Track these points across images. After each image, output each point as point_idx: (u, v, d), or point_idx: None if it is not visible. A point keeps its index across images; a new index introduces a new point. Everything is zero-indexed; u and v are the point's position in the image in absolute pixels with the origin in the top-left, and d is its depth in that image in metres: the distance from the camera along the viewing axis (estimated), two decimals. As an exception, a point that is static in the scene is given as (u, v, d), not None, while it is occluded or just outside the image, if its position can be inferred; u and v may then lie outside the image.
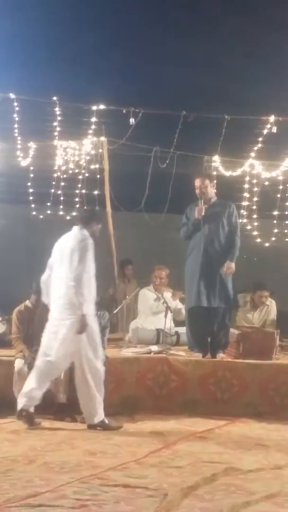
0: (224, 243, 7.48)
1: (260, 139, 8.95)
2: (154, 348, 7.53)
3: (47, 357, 6.34)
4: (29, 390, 6.30)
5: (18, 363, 6.83)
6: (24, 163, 8.85)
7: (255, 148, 9.10)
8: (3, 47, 10.02)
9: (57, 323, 6.38)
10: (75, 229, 6.57)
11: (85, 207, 8.48)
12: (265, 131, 8.86)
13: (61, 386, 6.77)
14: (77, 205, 9.09)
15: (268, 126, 8.83)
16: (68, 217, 9.12)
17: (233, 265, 7.44)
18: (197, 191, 7.56)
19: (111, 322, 7.72)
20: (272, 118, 8.81)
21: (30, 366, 6.75)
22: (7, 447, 5.66)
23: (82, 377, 6.33)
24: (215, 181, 7.72)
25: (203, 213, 7.44)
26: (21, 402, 6.30)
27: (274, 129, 8.81)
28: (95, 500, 4.34)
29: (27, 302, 7.23)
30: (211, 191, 7.58)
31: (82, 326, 6.23)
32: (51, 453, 5.46)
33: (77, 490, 4.52)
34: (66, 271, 6.34)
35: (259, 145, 9.04)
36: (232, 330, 7.77)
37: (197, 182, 7.56)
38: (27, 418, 6.27)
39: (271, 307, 8.68)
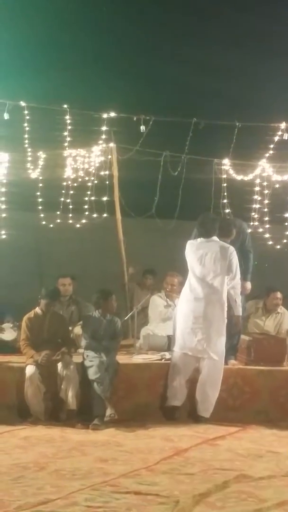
0: None
1: (271, 146, 8.93)
2: (166, 354, 7.51)
3: None
4: None
5: (29, 370, 6.84)
6: (34, 172, 8.89)
7: (266, 155, 9.08)
8: (13, 55, 10.06)
9: None
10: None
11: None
12: (276, 138, 8.85)
13: (72, 392, 6.78)
14: (88, 213, 9.11)
15: (280, 133, 8.83)
16: (78, 225, 9.14)
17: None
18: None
19: (122, 328, 7.72)
20: (283, 125, 8.80)
21: (42, 371, 6.78)
22: (18, 453, 5.67)
23: None
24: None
25: None
26: None
27: (286, 136, 8.80)
28: (107, 507, 4.35)
29: (37, 309, 7.25)
30: None
31: None
32: (62, 460, 5.47)
33: (89, 497, 4.52)
34: None
35: (270, 151, 9.03)
36: (243, 336, 7.76)
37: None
38: None
39: (284, 315, 8.63)
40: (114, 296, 7.40)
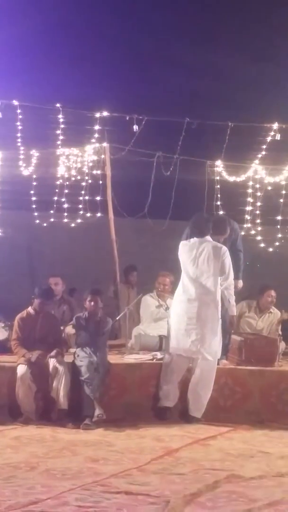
0: None
1: (264, 146, 8.95)
2: (157, 354, 7.52)
3: None
4: None
5: (21, 369, 6.83)
6: (27, 171, 8.87)
7: (259, 155, 9.10)
8: (6, 54, 10.05)
9: None
10: None
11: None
12: (269, 139, 8.86)
13: (63, 392, 6.77)
14: (81, 212, 9.10)
15: (272, 133, 8.84)
16: (71, 225, 9.13)
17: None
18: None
19: (113, 328, 7.71)
20: (275, 126, 8.81)
21: (34, 371, 6.78)
22: (9, 453, 5.66)
23: None
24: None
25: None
26: None
27: (278, 137, 8.81)
28: (97, 507, 4.34)
29: (30, 308, 7.23)
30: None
31: None
32: (53, 460, 5.46)
33: (79, 497, 4.51)
34: None
35: (263, 152, 9.04)
36: (234, 336, 7.77)
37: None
38: None
39: (276, 315, 8.64)
40: (100, 297, 7.31)
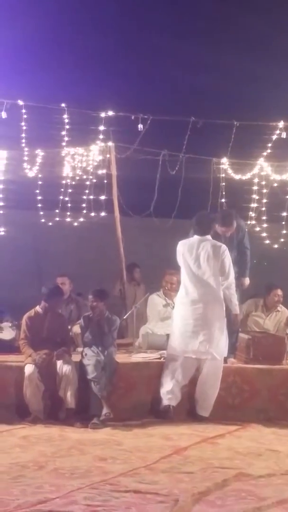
0: None
1: (270, 144, 8.93)
2: (164, 353, 7.50)
3: None
4: None
5: (28, 369, 6.83)
6: (32, 170, 8.87)
7: (264, 153, 9.08)
8: (11, 54, 10.06)
9: None
10: None
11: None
12: (275, 137, 8.84)
13: (70, 391, 6.77)
14: (87, 211, 9.10)
15: (278, 132, 8.82)
16: (75, 223, 9.13)
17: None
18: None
19: (121, 327, 7.70)
20: (281, 124, 8.79)
21: (41, 370, 6.78)
22: (17, 453, 5.66)
23: None
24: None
25: None
26: None
27: (284, 135, 8.79)
28: (106, 506, 4.34)
29: (38, 307, 7.24)
30: None
31: None
32: (61, 459, 5.46)
33: (88, 496, 4.51)
34: None
35: (269, 150, 9.02)
36: (242, 335, 7.76)
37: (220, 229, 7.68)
38: None
39: (284, 313, 8.62)
40: (102, 298, 7.26)
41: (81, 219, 9.16)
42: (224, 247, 7.12)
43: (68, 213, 9.15)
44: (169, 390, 6.98)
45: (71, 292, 8.55)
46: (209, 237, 7.20)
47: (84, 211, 9.08)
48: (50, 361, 6.90)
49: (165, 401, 6.96)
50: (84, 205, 9.09)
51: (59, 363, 6.89)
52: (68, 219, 9.17)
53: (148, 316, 8.50)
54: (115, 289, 9.08)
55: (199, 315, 7.02)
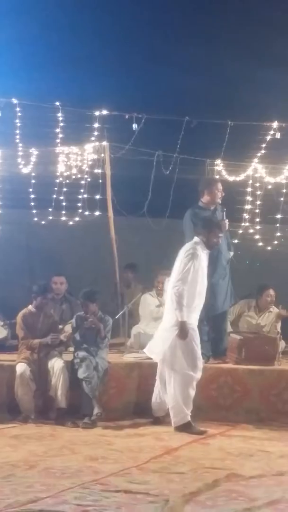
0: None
1: (264, 145, 8.93)
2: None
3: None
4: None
5: (20, 367, 6.82)
6: (26, 169, 8.85)
7: (258, 154, 9.08)
8: (5, 52, 10.02)
9: None
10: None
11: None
12: (269, 138, 8.85)
13: (61, 390, 6.76)
14: (80, 210, 9.08)
15: (272, 132, 8.83)
16: (70, 223, 9.11)
17: None
18: (219, 194, 7.55)
19: (113, 326, 7.69)
20: (275, 124, 8.80)
21: (33, 369, 6.77)
22: (8, 452, 5.66)
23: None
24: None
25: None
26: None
27: (278, 135, 8.80)
28: (96, 505, 4.34)
29: (30, 307, 7.22)
30: None
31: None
32: (52, 458, 5.45)
33: (78, 495, 4.51)
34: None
35: (263, 151, 9.03)
36: (234, 335, 7.77)
37: (220, 186, 7.62)
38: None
39: (276, 313, 8.63)
40: (92, 299, 7.22)
41: (75, 218, 9.14)
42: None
43: (62, 212, 9.13)
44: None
45: (66, 291, 8.54)
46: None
47: (79, 211, 9.05)
48: (42, 360, 6.89)
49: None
50: (78, 204, 9.06)
51: (50, 362, 6.88)
52: (62, 218, 9.15)
53: (140, 316, 8.49)
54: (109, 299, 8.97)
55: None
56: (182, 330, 6.56)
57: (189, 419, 6.52)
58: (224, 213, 7.68)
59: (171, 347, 6.61)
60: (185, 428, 6.48)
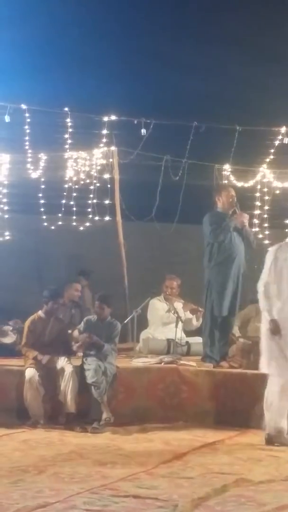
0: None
1: (272, 150, 8.94)
2: (165, 358, 7.51)
3: None
4: None
5: (29, 372, 6.84)
6: (35, 174, 8.89)
7: (267, 159, 9.09)
8: (14, 57, 10.07)
9: None
10: None
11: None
12: (277, 143, 8.85)
13: (71, 395, 6.77)
14: (89, 215, 9.12)
15: (280, 137, 8.84)
16: (80, 228, 9.14)
17: None
18: (231, 200, 7.61)
19: (121, 331, 7.71)
20: (284, 129, 8.81)
21: (42, 374, 6.79)
22: (17, 456, 5.66)
23: None
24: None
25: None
26: None
27: (286, 141, 8.81)
28: (106, 510, 4.33)
29: (40, 312, 7.24)
30: None
31: None
32: (61, 463, 5.45)
33: (88, 500, 4.50)
34: None
35: (271, 156, 9.04)
36: (243, 340, 7.76)
37: (232, 192, 7.67)
38: None
39: None
40: (108, 303, 7.26)
41: (84, 223, 9.18)
42: None
43: (72, 217, 9.17)
44: None
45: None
46: None
47: (88, 216, 9.09)
48: (52, 365, 6.91)
49: None
50: (88, 209, 9.10)
51: (59, 367, 6.89)
52: (72, 223, 9.19)
53: (149, 321, 8.50)
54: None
55: None
56: None
57: None
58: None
59: None
60: None
